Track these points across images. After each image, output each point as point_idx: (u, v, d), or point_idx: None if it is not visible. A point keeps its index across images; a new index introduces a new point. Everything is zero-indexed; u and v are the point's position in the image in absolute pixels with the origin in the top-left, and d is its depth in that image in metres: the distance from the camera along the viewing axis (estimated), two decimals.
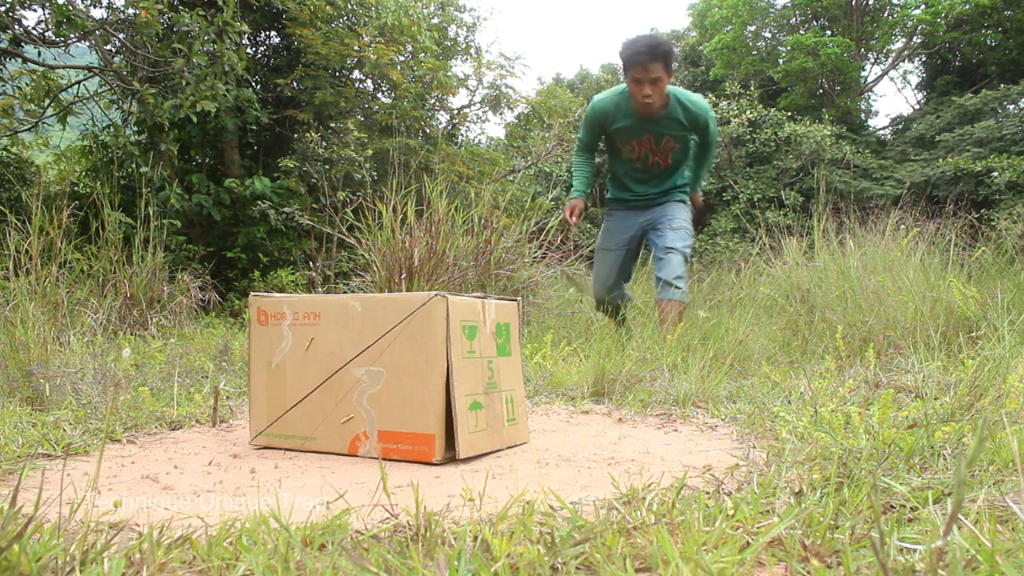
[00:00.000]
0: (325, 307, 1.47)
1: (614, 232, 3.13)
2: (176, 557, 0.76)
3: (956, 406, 1.41)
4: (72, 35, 4.72)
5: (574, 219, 2.91)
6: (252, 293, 1.59)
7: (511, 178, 8.13)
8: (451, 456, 1.34)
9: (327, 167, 6.35)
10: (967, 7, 14.92)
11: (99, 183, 4.65)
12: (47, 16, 4.84)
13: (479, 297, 1.47)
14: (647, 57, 2.70)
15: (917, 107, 17.83)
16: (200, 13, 4.94)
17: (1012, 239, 3.62)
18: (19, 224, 2.89)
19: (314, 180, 6.19)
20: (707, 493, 1.02)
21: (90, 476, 1.21)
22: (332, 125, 7.10)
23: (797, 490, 0.97)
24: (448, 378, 1.34)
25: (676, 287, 2.77)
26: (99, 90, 5.97)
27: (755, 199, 13.15)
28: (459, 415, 1.33)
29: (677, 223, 2.98)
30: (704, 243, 11.95)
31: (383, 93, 8.08)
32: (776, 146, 14.29)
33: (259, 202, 5.99)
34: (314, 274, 4.65)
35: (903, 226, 3.53)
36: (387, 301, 1.40)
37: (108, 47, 5.46)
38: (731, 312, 3.32)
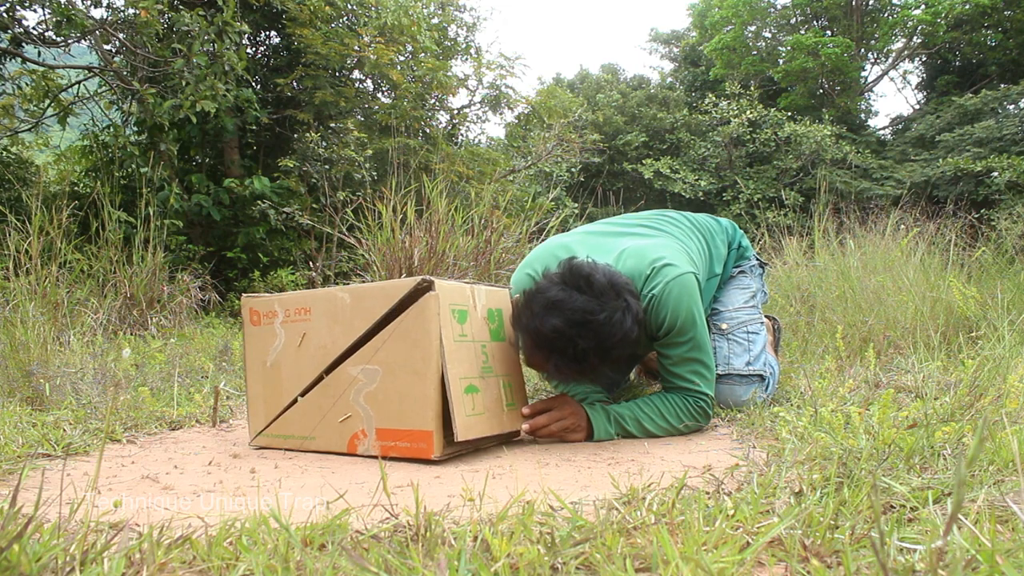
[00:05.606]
0: (315, 301, 1.47)
1: None
2: (176, 557, 0.76)
3: (956, 406, 1.40)
4: (72, 35, 4.72)
5: None
6: (244, 295, 1.59)
7: (511, 178, 8.14)
8: (451, 443, 1.34)
9: (327, 167, 6.36)
10: (967, 7, 14.92)
11: (99, 183, 4.64)
12: (47, 16, 4.84)
13: (468, 283, 1.48)
14: (529, 349, 1.44)
15: (917, 107, 17.84)
16: (200, 13, 4.94)
17: (1012, 239, 3.63)
18: (19, 224, 2.89)
19: (314, 180, 6.20)
20: (707, 493, 1.02)
21: (90, 476, 1.21)
22: (332, 125, 7.10)
23: (797, 490, 0.97)
24: (441, 361, 1.33)
25: None
26: (99, 90, 5.97)
27: (755, 199, 13.16)
28: (455, 398, 1.33)
29: None
30: None
31: (383, 93, 8.09)
32: (776, 146, 14.30)
33: (259, 202, 5.99)
34: (314, 274, 4.65)
35: (903, 226, 3.53)
36: (374, 289, 1.40)
37: (108, 47, 5.47)
38: None
